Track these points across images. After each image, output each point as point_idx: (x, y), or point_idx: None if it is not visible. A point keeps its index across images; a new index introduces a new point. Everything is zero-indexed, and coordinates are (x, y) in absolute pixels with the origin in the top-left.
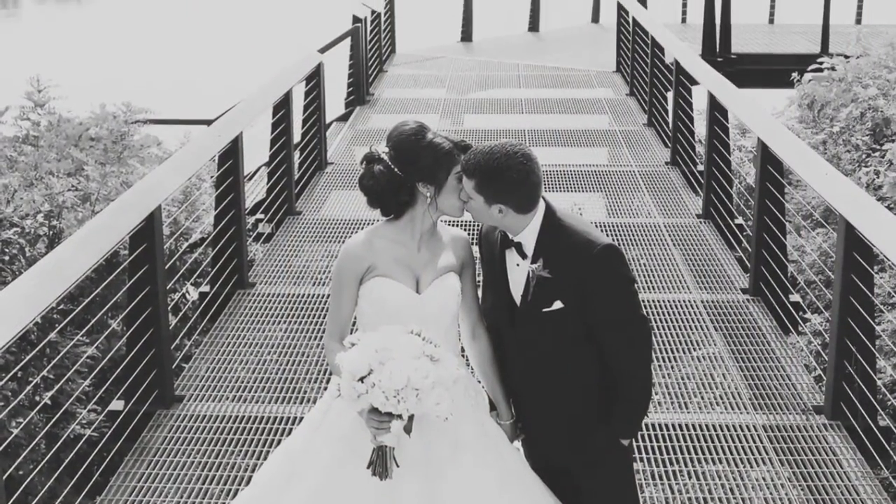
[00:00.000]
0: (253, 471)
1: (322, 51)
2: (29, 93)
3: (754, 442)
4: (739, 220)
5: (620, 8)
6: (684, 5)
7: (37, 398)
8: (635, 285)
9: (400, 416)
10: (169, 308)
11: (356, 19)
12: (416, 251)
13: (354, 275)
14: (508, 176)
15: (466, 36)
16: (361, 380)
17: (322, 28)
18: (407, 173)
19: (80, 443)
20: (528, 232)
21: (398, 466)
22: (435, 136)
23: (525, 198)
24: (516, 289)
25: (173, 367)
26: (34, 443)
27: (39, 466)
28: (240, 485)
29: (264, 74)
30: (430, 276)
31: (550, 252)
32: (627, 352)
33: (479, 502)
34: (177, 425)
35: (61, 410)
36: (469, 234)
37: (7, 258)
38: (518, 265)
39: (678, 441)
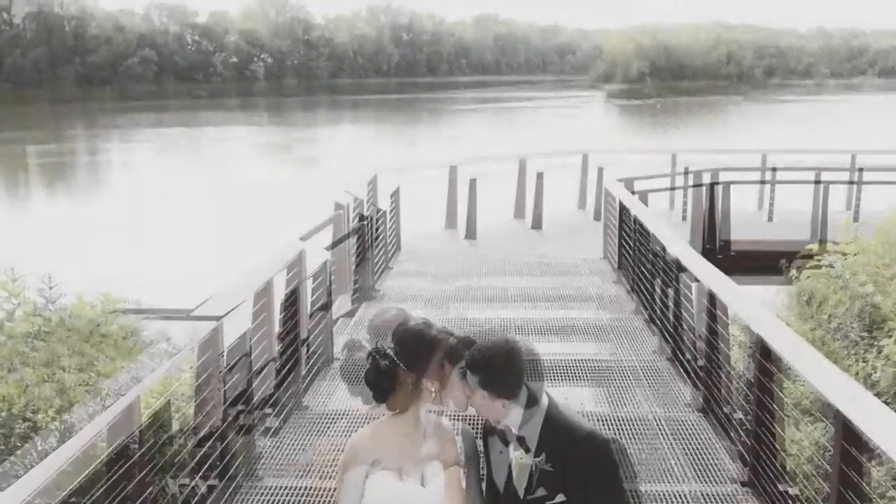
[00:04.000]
0: None
1: (329, 249)
2: (40, 289)
3: None
4: (739, 414)
5: (608, 195)
6: (685, 204)
7: None
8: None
9: None
10: (179, 502)
11: (362, 218)
12: (421, 444)
13: (360, 468)
14: (512, 371)
15: (471, 234)
16: None
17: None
18: (411, 368)
19: None
20: (531, 426)
21: None
22: (439, 332)
23: (528, 392)
24: (519, 482)
25: None
26: None
27: None
28: None
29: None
30: (434, 469)
31: (552, 446)
32: None
33: None
34: None
35: None
36: (473, 428)
37: (19, 452)
38: (521, 459)
39: None
